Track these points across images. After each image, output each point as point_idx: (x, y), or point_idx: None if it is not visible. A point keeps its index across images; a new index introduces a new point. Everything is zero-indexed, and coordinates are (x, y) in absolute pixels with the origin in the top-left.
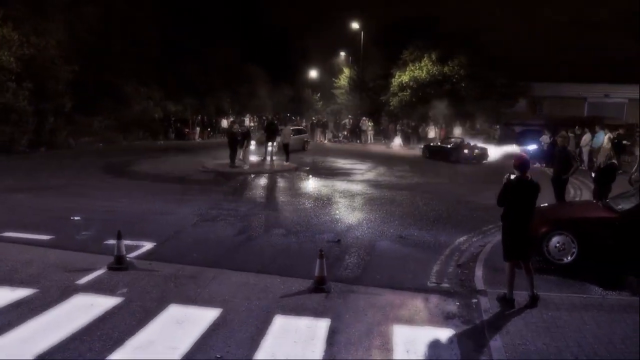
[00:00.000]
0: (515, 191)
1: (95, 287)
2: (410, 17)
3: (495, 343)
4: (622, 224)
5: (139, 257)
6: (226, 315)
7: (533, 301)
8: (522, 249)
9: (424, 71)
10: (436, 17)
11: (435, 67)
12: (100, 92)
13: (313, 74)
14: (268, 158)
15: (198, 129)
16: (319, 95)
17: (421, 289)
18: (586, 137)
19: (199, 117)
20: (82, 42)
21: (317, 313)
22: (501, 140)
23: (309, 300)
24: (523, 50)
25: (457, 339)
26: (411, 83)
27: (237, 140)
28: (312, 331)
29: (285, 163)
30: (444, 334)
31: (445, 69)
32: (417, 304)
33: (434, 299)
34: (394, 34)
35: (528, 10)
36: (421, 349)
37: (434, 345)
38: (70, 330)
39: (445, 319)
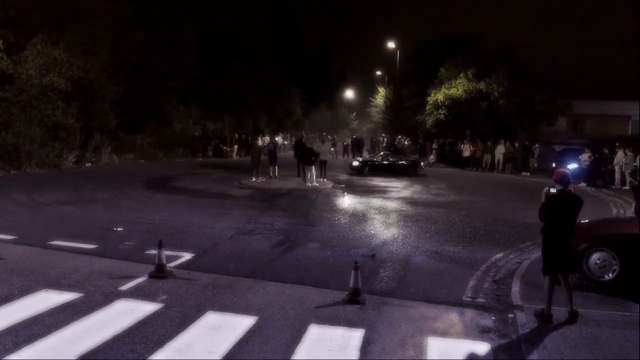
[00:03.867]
0: (557, 204)
1: (137, 294)
2: (447, 35)
3: (533, 358)
4: None
5: (178, 267)
6: (262, 323)
7: (572, 317)
8: (561, 263)
9: (460, 89)
10: (473, 35)
11: (472, 84)
12: (143, 111)
13: (349, 93)
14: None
15: (236, 146)
16: (355, 114)
17: (456, 303)
18: (619, 155)
19: (237, 136)
20: (126, 63)
21: (351, 323)
22: (540, 160)
23: (343, 311)
24: (563, 67)
25: (493, 352)
26: (446, 102)
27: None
28: (346, 341)
29: (321, 180)
30: (480, 347)
31: (482, 85)
32: (452, 317)
33: (470, 313)
34: (430, 53)
35: (568, 28)
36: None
37: (469, 358)
38: (112, 332)
39: (481, 333)
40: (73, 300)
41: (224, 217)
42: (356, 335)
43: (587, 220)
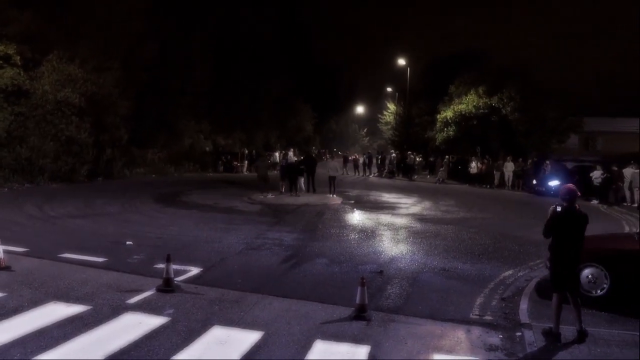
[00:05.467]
0: (563, 222)
1: (144, 307)
2: (458, 51)
3: None
4: None
5: (186, 281)
6: (268, 338)
7: (581, 336)
8: (569, 281)
9: (470, 105)
10: (484, 51)
11: (482, 100)
12: (154, 126)
13: (359, 109)
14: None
15: (246, 162)
16: (365, 130)
17: (463, 321)
18: (626, 172)
19: (247, 151)
20: (138, 78)
21: (357, 340)
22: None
23: (349, 327)
24: (575, 84)
25: None
26: (456, 118)
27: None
28: (352, 356)
29: (330, 196)
30: None
31: (494, 101)
32: (458, 335)
33: (477, 330)
34: (441, 69)
35: (580, 44)
36: None
37: None
38: (119, 345)
39: (488, 351)
40: (81, 313)
41: (233, 232)
42: (362, 352)
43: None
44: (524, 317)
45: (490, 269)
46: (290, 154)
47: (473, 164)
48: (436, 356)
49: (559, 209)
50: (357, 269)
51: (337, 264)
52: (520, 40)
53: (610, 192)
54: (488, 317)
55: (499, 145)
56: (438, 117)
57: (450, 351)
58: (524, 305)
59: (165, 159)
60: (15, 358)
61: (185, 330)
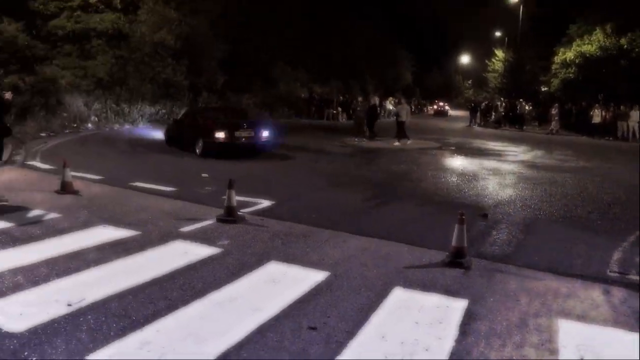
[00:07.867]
0: None
1: (197, 236)
2: None
3: None
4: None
5: (252, 213)
6: (333, 281)
7: None
8: None
9: (594, 45)
10: None
11: (610, 40)
12: (250, 71)
13: (464, 59)
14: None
15: (340, 109)
16: (470, 82)
17: (598, 279)
18: None
19: (342, 98)
20: (234, 23)
21: (450, 292)
22: None
23: (441, 275)
24: None
25: None
26: (577, 60)
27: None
28: (442, 312)
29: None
30: (637, 339)
31: (622, 40)
32: (593, 296)
33: (618, 292)
34: (559, 8)
35: None
36: (603, 354)
37: (622, 351)
38: (153, 274)
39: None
40: (126, 238)
41: (317, 171)
42: (456, 307)
43: None
44: None
45: (626, 221)
46: (387, 103)
47: (596, 112)
48: (562, 321)
49: None
50: (455, 210)
51: (430, 204)
52: None
53: None
54: (634, 276)
55: (626, 92)
56: (555, 59)
57: (582, 317)
58: None
59: (260, 104)
60: (37, 279)
61: (235, 264)
